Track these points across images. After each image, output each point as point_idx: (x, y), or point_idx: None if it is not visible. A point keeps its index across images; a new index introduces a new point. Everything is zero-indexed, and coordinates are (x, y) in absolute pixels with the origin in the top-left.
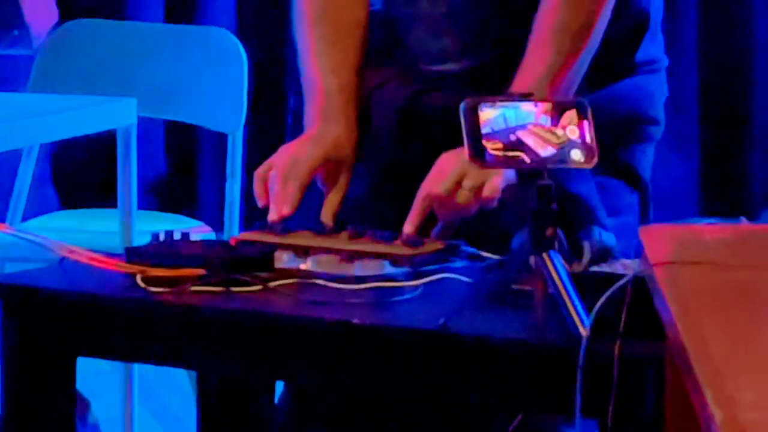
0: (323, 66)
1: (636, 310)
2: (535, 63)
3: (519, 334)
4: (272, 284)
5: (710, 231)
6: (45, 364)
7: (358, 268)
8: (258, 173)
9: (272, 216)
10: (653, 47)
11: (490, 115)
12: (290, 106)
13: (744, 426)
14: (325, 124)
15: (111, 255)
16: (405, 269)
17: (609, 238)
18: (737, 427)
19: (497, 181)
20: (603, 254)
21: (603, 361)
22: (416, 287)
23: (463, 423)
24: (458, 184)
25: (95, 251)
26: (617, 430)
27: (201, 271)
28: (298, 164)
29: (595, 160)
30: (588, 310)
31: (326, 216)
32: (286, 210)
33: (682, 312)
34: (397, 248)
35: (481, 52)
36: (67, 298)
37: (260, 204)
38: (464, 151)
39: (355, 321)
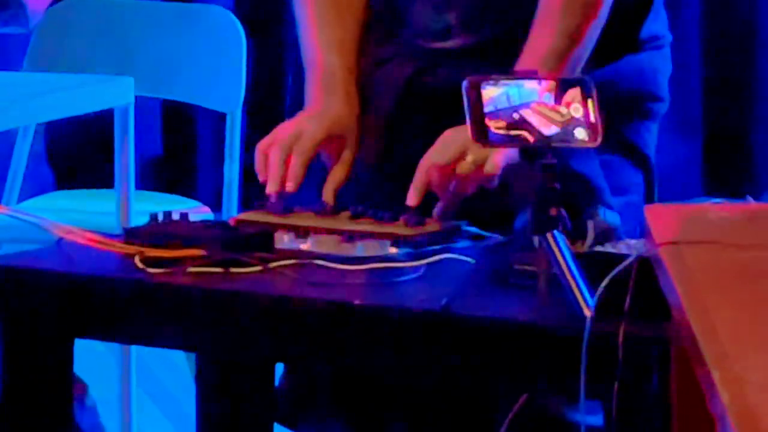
0: (324, 43)
1: (641, 290)
2: (542, 41)
3: (522, 315)
4: (272, 265)
5: (716, 210)
6: (42, 346)
7: (359, 249)
8: (260, 147)
9: (270, 189)
10: (657, 24)
11: (492, 93)
12: (289, 85)
13: (751, 407)
14: (327, 99)
15: (109, 236)
16: (407, 250)
17: (613, 218)
18: (745, 408)
19: (498, 158)
20: (607, 234)
21: (607, 341)
22: (418, 268)
23: (466, 404)
24: (460, 156)
25: (92, 232)
26: (622, 412)
27: (200, 252)
28: (301, 139)
29: (600, 138)
30: (592, 290)
31: (328, 192)
32: (290, 187)
33: (687, 292)
34: (399, 228)
35: (483, 28)
36: (64, 279)
37: (261, 179)
38: (467, 129)
39: (356, 302)
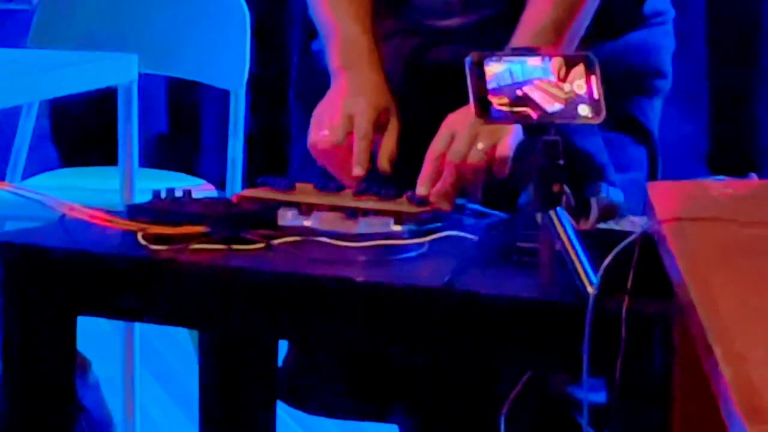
0: (339, 14)
1: (644, 267)
2: (539, 13)
3: (525, 292)
4: (275, 242)
5: (719, 187)
6: (45, 323)
7: (362, 226)
8: (313, 143)
9: (350, 183)
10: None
11: (495, 69)
12: (293, 62)
13: (753, 383)
14: (355, 70)
15: (112, 213)
16: (410, 227)
17: (617, 195)
18: (747, 384)
19: (509, 140)
20: (611, 211)
21: (611, 319)
22: (421, 245)
23: (470, 382)
24: (470, 146)
25: (96, 209)
26: (625, 389)
27: (203, 229)
28: (357, 123)
29: (603, 115)
30: (595, 267)
31: (384, 163)
32: (359, 171)
33: (690, 269)
34: (402, 206)
35: (485, 6)
36: (67, 256)
37: (319, 162)
38: (471, 111)
39: (359, 279)
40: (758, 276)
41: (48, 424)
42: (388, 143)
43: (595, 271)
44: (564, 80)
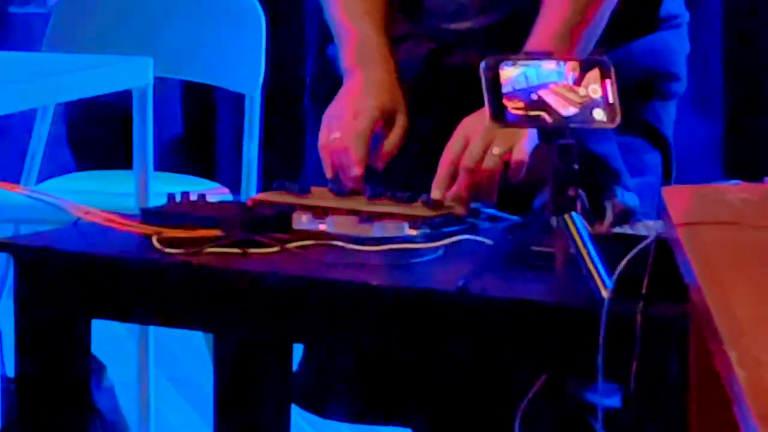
0: (353, 15)
1: (659, 271)
2: (554, 16)
3: (540, 296)
4: (290, 246)
5: (734, 191)
6: (60, 326)
7: (377, 230)
8: (323, 144)
9: (348, 186)
10: (674, 2)
11: (511, 73)
12: (308, 65)
13: None
14: (367, 70)
15: (126, 216)
16: (425, 231)
17: (631, 199)
18: (762, 388)
19: (524, 144)
20: (625, 215)
21: (625, 323)
22: (436, 249)
23: (485, 386)
24: (485, 152)
25: (110, 212)
26: (640, 393)
27: (217, 233)
28: (360, 123)
29: (618, 119)
30: (610, 271)
31: (377, 161)
32: (356, 171)
33: (705, 273)
34: (417, 209)
35: (499, 8)
36: (82, 259)
37: (328, 175)
38: (485, 115)
39: (374, 283)
40: None
41: (63, 427)
42: (389, 142)
43: (610, 275)
44: (579, 84)
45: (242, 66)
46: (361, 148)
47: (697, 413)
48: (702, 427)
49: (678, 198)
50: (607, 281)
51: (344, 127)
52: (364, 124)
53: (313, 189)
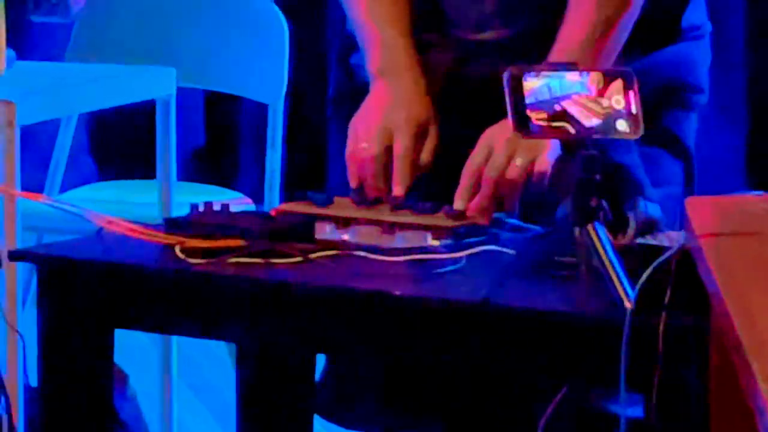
0: (378, 18)
1: (681, 282)
2: (577, 27)
3: (563, 306)
4: (312, 255)
5: (757, 202)
6: (83, 336)
7: (399, 240)
8: (351, 154)
9: (399, 190)
10: (696, 13)
11: (534, 84)
12: (331, 76)
13: None
14: (394, 78)
15: (149, 226)
16: (447, 241)
17: (654, 210)
18: None
19: (548, 155)
20: (648, 226)
21: (648, 333)
22: (458, 259)
23: (507, 396)
24: (509, 162)
25: (133, 222)
26: (662, 404)
27: (240, 242)
28: (397, 139)
29: (641, 131)
30: (633, 282)
31: (406, 179)
32: (400, 191)
33: (727, 284)
34: (439, 220)
35: (522, 18)
36: (104, 268)
37: (353, 185)
38: (508, 125)
39: (397, 293)
40: None
41: None
42: (426, 155)
43: (633, 285)
44: (602, 95)
45: (265, 76)
46: (406, 167)
47: (719, 424)
48: None
49: (701, 209)
50: (630, 292)
51: (373, 139)
52: (406, 142)
53: (336, 199)
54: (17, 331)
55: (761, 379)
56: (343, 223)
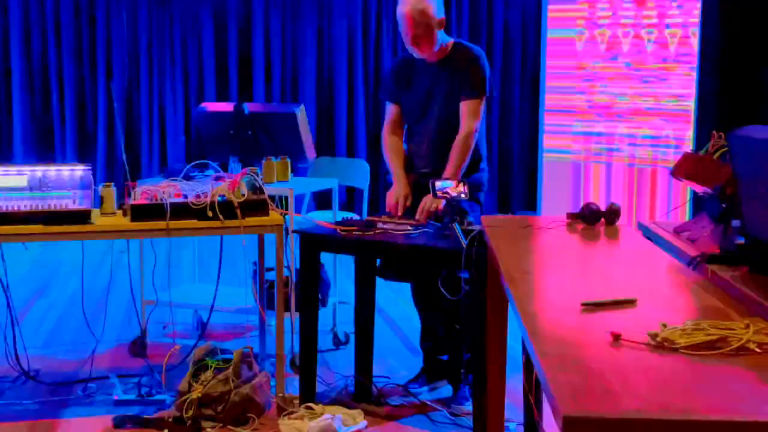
0: (389, 151)
1: (480, 241)
2: (451, 166)
3: (444, 245)
4: (377, 231)
5: (508, 218)
6: (309, 256)
7: (400, 227)
8: (388, 202)
9: (398, 213)
10: (482, 155)
11: (439, 184)
12: (389, 178)
13: (516, 280)
14: (399, 180)
15: (333, 223)
16: (415, 227)
17: (474, 219)
18: (515, 283)
19: (442, 203)
20: (470, 224)
21: (470, 256)
22: (417, 234)
23: (431, 274)
24: (431, 204)
25: (329, 223)
26: (472, 286)
27: (356, 228)
28: (402, 194)
29: (467, 197)
30: (466, 238)
31: (401, 209)
32: (402, 211)
33: (494, 242)
34: (412, 222)
35: (434, 163)
36: (323, 236)
37: (387, 210)
38: (431, 195)
39: (398, 242)
40: (519, 249)
41: (314, 296)
42: (403, 204)
43: (466, 239)
44: (457, 186)
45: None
46: (403, 206)
47: (491, 303)
48: (493, 311)
49: (486, 219)
50: (464, 241)
51: (393, 197)
52: (401, 200)
53: (384, 216)
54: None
55: (507, 280)
56: (385, 221)
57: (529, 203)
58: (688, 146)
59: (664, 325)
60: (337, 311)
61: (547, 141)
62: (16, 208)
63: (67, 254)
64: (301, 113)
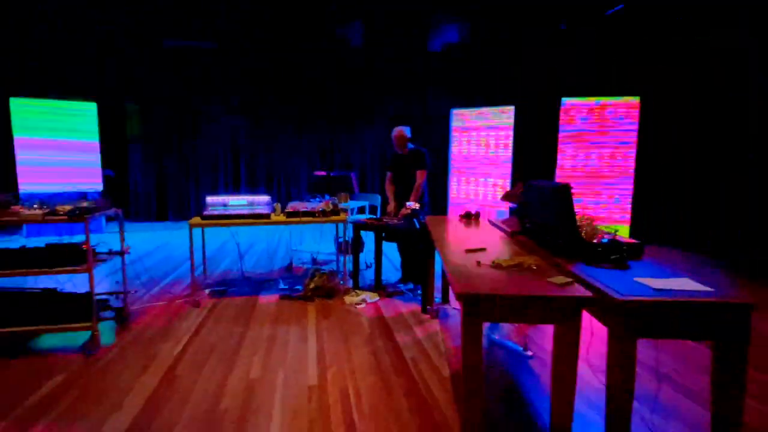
0: (390, 195)
1: (424, 226)
2: (412, 196)
3: (409, 227)
4: (384, 221)
5: (450, 219)
6: (358, 234)
7: (395, 220)
8: (388, 210)
9: (393, 215)
10: (425, 198)
11: (408, 203)
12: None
13: (452, 265)
14: (391, 202)
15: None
16: (399, 221)
17: (422, 217)
18: (437, 239)
19: (409, 210)
20: (420, 221)
21: (423, 234)
22: (401, 222)
23: (413, 243)
24: (405, 210)
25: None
26: (424, 245)
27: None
28: (392, 207)
29: (419, 208)
30: (420, 224)
31: (393, 214)
32: (393, 214)
33: (434, 229)
34: (398, 216)
35: (405, 196)
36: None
37: (388, 210)
38: (405, 207)
39: (392, 224)
40: (439, 228)
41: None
42: (394, 212)
43: (420, 225)
44: (415, 204)
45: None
46: (393, 213)
47: (428, 249)
48: (428, 252)
49: (428, 218)
50: (418, 225)
51: (390, 208)
52: (393, 210)
53: (385, 218)
54: None
55: (434, 240)
56: (386, 219)
57: (443, 211)
58: (508, 185)
59: (497, 260)
60: (367, 254)
61: (452, 186)
62: (241, 212)
63: (261, 232)
64: (353, 177)
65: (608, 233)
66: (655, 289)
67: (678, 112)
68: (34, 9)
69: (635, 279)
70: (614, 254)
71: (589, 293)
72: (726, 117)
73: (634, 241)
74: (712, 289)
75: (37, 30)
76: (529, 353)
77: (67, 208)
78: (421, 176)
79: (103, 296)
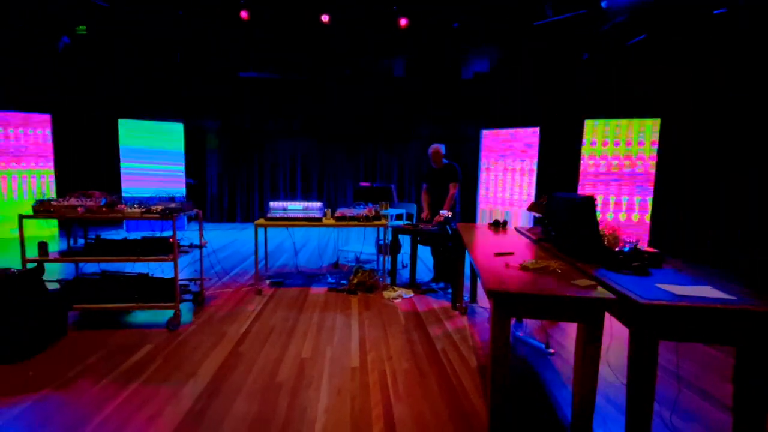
0: (425, 204)
1: (456, 234)
2: (446, 205)
3: (443, 232)
4: (420, 228)
5: (479, 226)
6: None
7: (429, 226)
8: (423, 217)
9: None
10: (457, 207)
11: (441, 211)
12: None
13: (478, 259)
14: (426, 210)
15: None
16: (434, 227)
17: (454, 225)
18: (468, 244)
19: (442, 217)
20: (452, 227)
21: (453, 237)
22: (434, 228)
23: (442, 246)
24: (439, 217)
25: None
26: (455, 251)
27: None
28: (426, 214)
29: (451, 216)
30: (452, 231)
31: (427, 220)
32: (431, 221)
33: (464, 234)
34: (431, 223)
35: (439, 205)
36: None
37: (422, 217)
38: (439, 214)
39: (429, 229)
40: (469, 233)
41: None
42: (428, 218)
43: (452, 231)
44: (448, 213)
45: None
46: (427, 219)
47: (459, 252)
48: (460, 254)
49: (459, 225)
50: (450, 232)
51: (424, 215)
52: (427, 216)
53: (422, 224)
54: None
55: (466, 244)
56: (421, 224)
57: (472, 218)
58: (533, 197)
59: (525, 263)
60: (403, 256)
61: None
62: (298, 215)
63: (313, 233)
64: (393, 188)
65: (629, 242)
66: (677, 295)
67: (692, 127)
68: (134, 49)
69: (657, 285)
70: (635, 261)
71: (612, 296)
72: (728, 118)
73: (654, 250)
74: (735, 297)
75: (135, 63)
76: (551, 350)
77: (160, 208)
78: (453, 188)
79: (185, 282)
